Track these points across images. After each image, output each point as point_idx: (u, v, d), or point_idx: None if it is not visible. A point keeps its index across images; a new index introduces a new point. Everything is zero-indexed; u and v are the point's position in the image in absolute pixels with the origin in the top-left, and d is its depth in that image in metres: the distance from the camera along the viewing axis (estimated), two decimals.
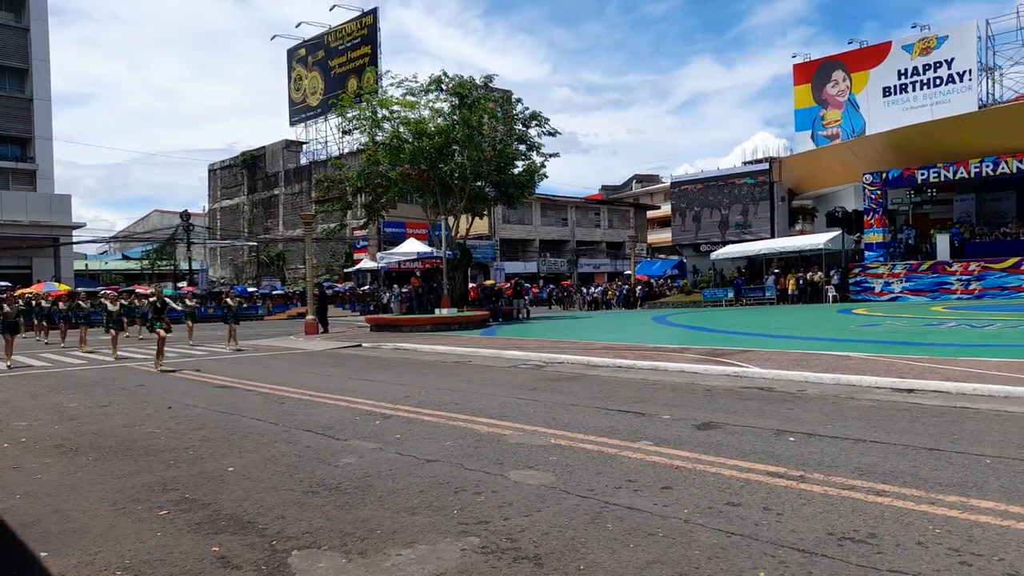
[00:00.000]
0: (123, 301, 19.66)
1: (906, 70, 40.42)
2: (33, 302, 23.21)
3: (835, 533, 4.03)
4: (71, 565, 3.94)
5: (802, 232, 43.78)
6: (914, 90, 40.20)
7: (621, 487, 5.09)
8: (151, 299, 14.67)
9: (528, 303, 32.68)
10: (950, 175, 30.86)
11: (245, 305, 29.93)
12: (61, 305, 22.33)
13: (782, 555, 3.74)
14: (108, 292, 20.84)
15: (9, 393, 11.26)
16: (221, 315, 23.81)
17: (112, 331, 17.44)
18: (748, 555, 3.75)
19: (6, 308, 15.79)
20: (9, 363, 15.44)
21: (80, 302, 21.59)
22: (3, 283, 27.12)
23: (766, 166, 43.10)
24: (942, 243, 31.43)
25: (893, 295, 31.23)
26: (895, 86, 40.94)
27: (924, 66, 39.68)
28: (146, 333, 17.68)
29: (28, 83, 40.64)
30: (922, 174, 31.68)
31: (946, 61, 38.95)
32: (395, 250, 32.70)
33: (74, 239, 41.84)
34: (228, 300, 20.11)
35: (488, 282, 37.06)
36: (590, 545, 3.97)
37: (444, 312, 23.99)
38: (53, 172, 42.06)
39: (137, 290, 30.62)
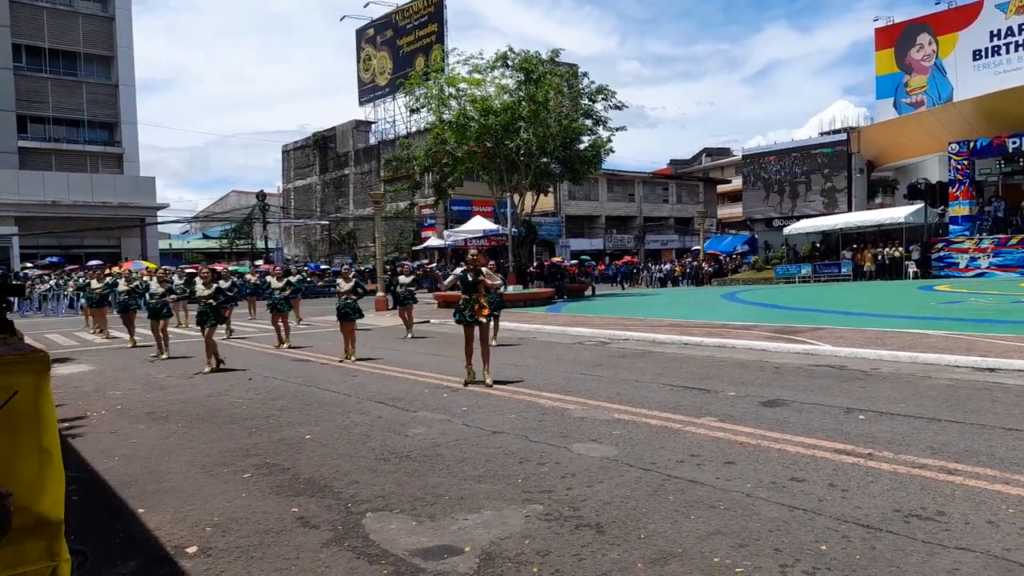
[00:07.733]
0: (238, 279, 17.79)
1: (999, 31, 37.94)
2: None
3: (902, 510, 3.99)
4: (166, 520, 4.28)
5: (882, 205, 41.93)
6: (1008, 52, 37.72)
7: (684, 461, 5.14)
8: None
9: (593, 280, 32.58)
10: None
11: (309, 281, 30.26)
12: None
13: (845, 530, 3.73)
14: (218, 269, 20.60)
15: (104, 365, 12.04)
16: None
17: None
18: (811, 529, 3.76)
19: (155, 287, 14.00)
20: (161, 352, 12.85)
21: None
22: (96, 261, 28.71)
23: (844, 136, 41.46)
24: None
25: (979, 271, 29.74)
26: (986, 48, 38.51)
27: (1020, 26, 37.14)
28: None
29: (113, 70, 42.58)
30: (1014, 142, 29.89)
31: None
32: (461, 228, 33.06)
33: (159, 219, 43.87)
34: (290, 279, 20.38)
35: (556, 259, 37.05)
36: (651, 515, 4.05)
37: (510, 289, 24.18)
38: (138, 155, 44.15)
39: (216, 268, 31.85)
